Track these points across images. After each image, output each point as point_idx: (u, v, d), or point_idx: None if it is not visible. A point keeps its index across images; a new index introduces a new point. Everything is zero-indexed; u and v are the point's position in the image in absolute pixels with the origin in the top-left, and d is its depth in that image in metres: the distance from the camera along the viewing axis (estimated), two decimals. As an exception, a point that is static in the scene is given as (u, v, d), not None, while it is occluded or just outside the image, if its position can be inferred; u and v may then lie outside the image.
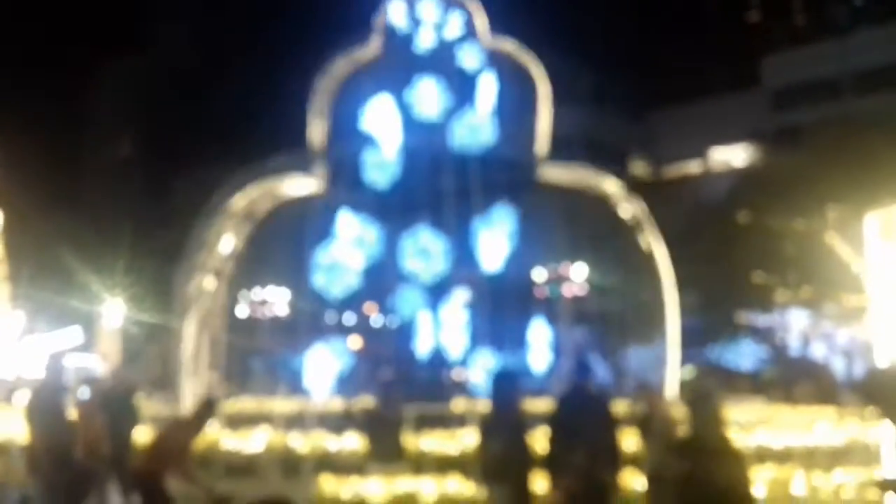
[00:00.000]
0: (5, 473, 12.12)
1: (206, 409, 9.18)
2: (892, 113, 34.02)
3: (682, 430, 6.60)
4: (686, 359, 22.12)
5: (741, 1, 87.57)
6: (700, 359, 34.01)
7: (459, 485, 8.81)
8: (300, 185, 19.25)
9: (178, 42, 57.01)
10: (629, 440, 8.89)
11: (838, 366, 34.92)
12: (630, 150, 60.21)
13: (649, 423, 8.43)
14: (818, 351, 37.29)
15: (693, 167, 61.16)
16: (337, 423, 13.97)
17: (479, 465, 7.36)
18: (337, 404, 17.73)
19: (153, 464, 8.49)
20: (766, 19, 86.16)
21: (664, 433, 8.18)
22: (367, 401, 14.03)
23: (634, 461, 8.81)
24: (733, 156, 58.34)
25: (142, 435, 11.42)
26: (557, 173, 19.42)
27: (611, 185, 19.68)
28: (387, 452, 9.57)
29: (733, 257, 31.48)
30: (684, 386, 18.63)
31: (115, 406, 10.72)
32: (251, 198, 19.01)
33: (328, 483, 9.21)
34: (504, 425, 7.10)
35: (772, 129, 55.15)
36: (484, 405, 7.46)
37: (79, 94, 55.47)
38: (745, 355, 38.53)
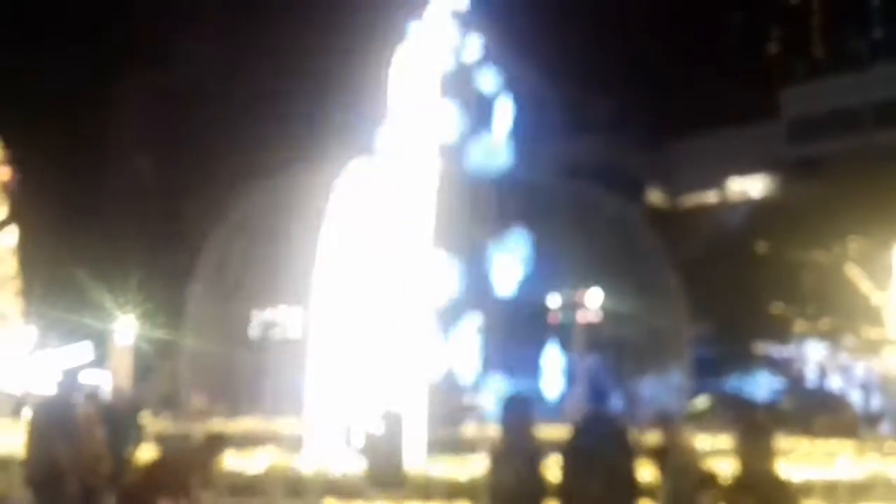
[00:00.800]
0: (8, 487, 11.94)
1: (214, 445, 8.64)
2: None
3: (731, 465, 6.36)
4: (701, 388, 21.84)
5: (761, 33, 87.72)
6: (715, 389, 33.61)
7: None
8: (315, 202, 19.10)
9: (199, 60, 57.38)
10: (645, 470, 8.61)
11: (855, 398, 34.44)
12: (647, 179, 59.98)
13: (667, 454, 8.15)
14: (835, 383, 36.81)
15: (710, 197, 60.90)
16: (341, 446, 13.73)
17: (488, 494, 7.10)
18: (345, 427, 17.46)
19: (145, 487, 8.08)
20: (785, 51, 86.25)
21: (683, 464, 7.92)
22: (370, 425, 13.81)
23: (650, 492, 8.51)
24: (751, 186, 58.09)
25: (144, 453, 11.22)
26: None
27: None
28: (387, 477, 9.31)
29: (751, 287, 31.18)
30: (699, 415, 18.33)
31: (116, 423, 10.54)
32: (263, 215, 18.88)
33: (333, 507, 8.98)
34: (516, 453, 6.85)
35: (790, 161, 54.91)
36: (495, 431, 7.21)
37: (98, 112, 55.82)
38: (760, 386, 38.08)
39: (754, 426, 5.99)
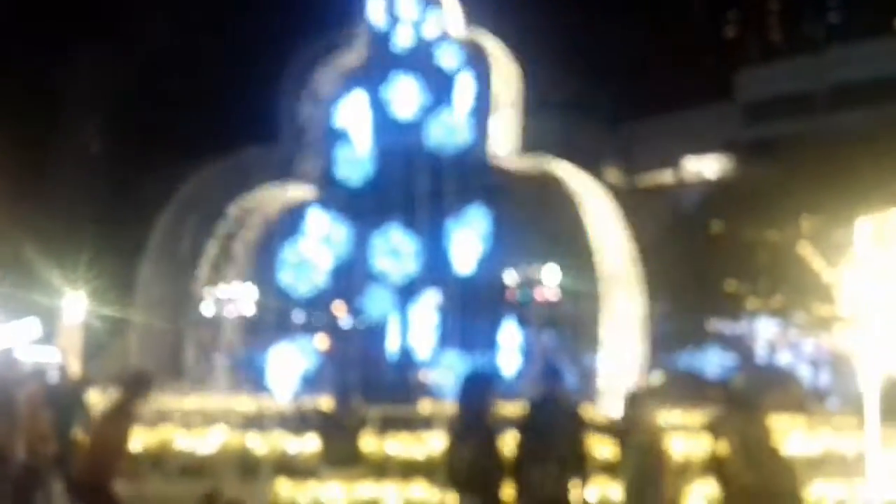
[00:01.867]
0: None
1: (134, 389, 7.61)
2: (865, 128, 34.20)
3: (720, 442, 6.30)
4: (655, 365, 21.95)
5: (718, 15, 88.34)
6: (668, 365, 33.92)
7: (424, 491, 8.42)
8: (269, 180, 18.80)
9: (148, 35, 56.19)
10: (606, 447, 8.57)
11: (804, 374, 35.02)
12: (605, 157, 60.24)
13: (629, 431, 8.10)
14: (784, 359, 37.42)
15: (666, 177, 61.36)
16: (295, 424, 13.53)
17: (447, 471, 6.99)
18: (297, 405, 17.27)
19: (94, 472, 7.41)
20: (741, 34, 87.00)
21: (648, 442, 7.87)
22: (323, 402, 13.61)
23: (610, 469, 8.48)
24: (706, 167, 58.61)
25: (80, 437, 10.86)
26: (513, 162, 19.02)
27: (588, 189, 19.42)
28: (341, 456, 9.12)
29: (705, 266, 31.43)
30: (653, 392, 18.37)
31: (61, 402, 10.18)
32: (217, 193, 18.49)
33: (285, 487, 8.78)
34: (475, 430, 6.73)
35: (745, 142, 55.51)
36: (453, 408, 7.08)
37: (45, 86, 54.47)
38: (712, 363, 38.55)
39: (748, 402, 5.93)
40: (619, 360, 18.01)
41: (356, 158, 18.27)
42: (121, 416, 7.58)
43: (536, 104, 21.02)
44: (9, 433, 8.55)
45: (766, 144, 50.34)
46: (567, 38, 56.55)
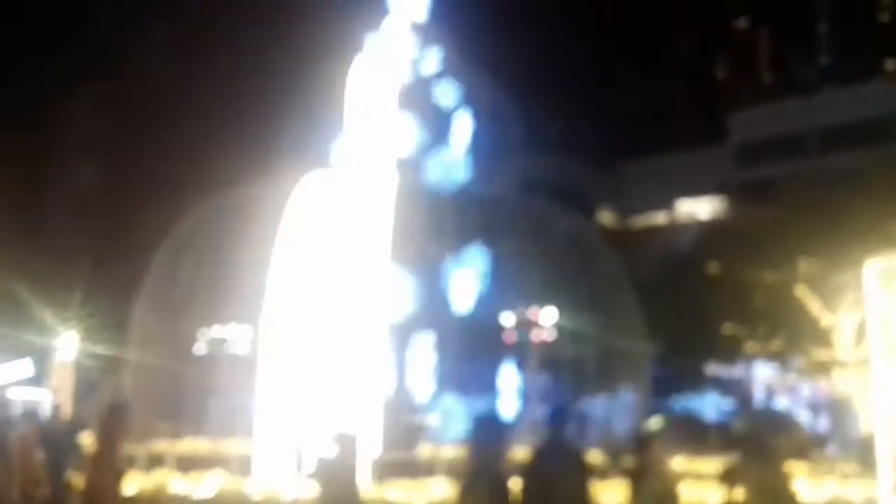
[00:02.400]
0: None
1: (111, 422, 7.18)
2: (857, 169, 34.39)
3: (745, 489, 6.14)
4: (652, 409, 21.74)
5: (710, 58, 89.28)
6: (665, 409, 33.69)
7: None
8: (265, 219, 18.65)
9: (146, 71, 56.45)
10: (612, 491, 8.38)
11: (803, 419, 34.80)
12: (597, 199, 60.46)
13: (642, 477, 7.92)
14: (782, 404, 37.20)
15: (660, 218, 61.53)
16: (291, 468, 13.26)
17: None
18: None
19: None
20: (733, 75, 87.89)
21: (662, 490, 7.69)
22: (322, 447, 13.34)
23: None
24: (699, 208, 58.81)
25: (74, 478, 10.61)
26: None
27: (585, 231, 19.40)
28: (340, 502, 8.88)
29: (702, 308, 31.32)
30: (652, 437, 18.09)
31: (54, 443, 9.95)
32: (212, 232, 18.34)
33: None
34: (486, 475, 6.56)
35: (738, 183, 55.75)
36: (457, 453, 6.90)
37: (39, 123, 54.56)
38: (709, 407, 38.29)
39: (765, 448, 5.80)
40: (617, 403, 17.83)
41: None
42: (106, 456, 7.17)
43: (526, 145, 21.08)
44: (2, 475, 8.33)
45: (759, 186, 50.52)
46: (561, 78, 57.09)
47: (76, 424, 11.38)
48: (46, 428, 10.34)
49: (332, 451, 9.73)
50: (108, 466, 7.13)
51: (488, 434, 6.61)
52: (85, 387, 35.10)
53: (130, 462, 7.45)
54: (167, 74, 54.27)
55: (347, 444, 9.60)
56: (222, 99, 49.59)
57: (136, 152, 53.00)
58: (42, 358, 36.05)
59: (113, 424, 7.19)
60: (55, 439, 10.12)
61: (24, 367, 35.71)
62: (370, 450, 12.79)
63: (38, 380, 35.73)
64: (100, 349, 34.08)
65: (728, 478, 6.90)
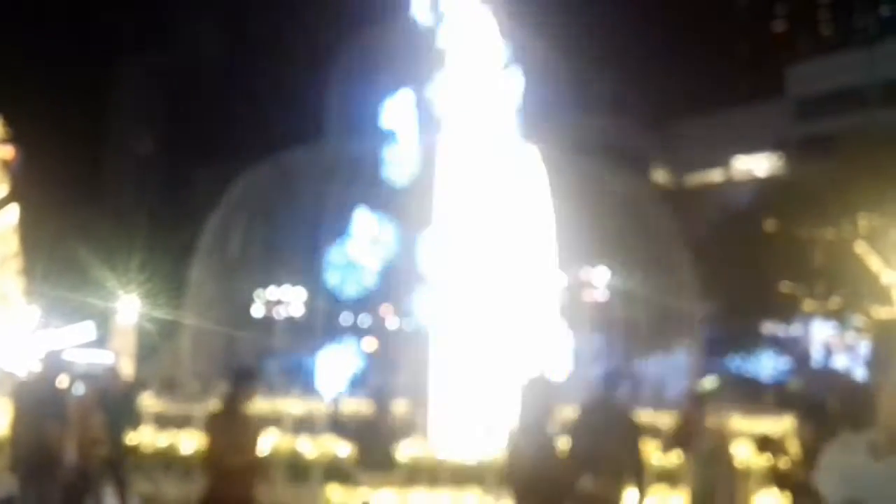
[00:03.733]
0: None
1: (241, 385, 7.12)
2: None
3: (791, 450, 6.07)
4: (707, 369, 21.54)
5: (767, 11, 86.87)
6: (720, 369, 33.38)
7: (478, 499, 8.25)
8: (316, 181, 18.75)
9: (198, 39, 57.00)
10: (669, 455, 8.33)
11: (860, 378, 34.21)
12: (652, 158, 59.59)
13: (692, 438, 7.87)
14: (840, 363, 36.54)
15: (715, 176, 60.48)
16: (331, 428, 13.37)
17: (506, 479, 6.82)
18: (343, 408, 17.21)
19: (235, 487, 6.72)
20: (791, 29, 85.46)
21: (713, 449, 7.64)
22: (361, 405, 13.45)
23: (671, 477, 8.26)
24: (756, 164, 57.66)
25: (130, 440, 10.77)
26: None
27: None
28: (376, 460, 8.92)
29: (759, 266, 30.82)
30: (707, 396, 17.94)
31: (113, 405, 10.19)
32: (265, 194, 18.50)
33: (336, 492, 8.69)
34: (534, 434, 6.56)
35: (797, 139, 54.46)
36: (512, 413, 6.89)
37: (99, 91, 55.48)
38: (765, 367, 37.84)
39: (823, 412, 5.72)
40: (671, 363, 17.70)
41: (402, 158, 18.13)
42: (233, 418, 7.10)
43: (579, 105, 20.79)
44: (60, 436, 8.55)
45: (818, 141, 49.31)
46: (613, 36, 56.09)
47: (136, 387, 11.62)
48: (106, 390, 10.56)
49: (371, 410, 9.78)
50: (238, 432, 7.05)
51: (537, 393, 6.60)
52: (145, 349, 35.97)
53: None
54: (219, 42, 54.66)
55: (385, 403, 9.63)
56: (272, 64, 49.86)
57: (192, 119, 53.63)
58: (104, 321, 37.00)
59: (242, 389, 7.19)
60: (114, 401, 10.36)
61: (87, 329, 36.71)
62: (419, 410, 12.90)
63: (100, 342, 36.70)
64: (159, 312, 34.85)
65: (766, 446, 6.82)
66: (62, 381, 9.31)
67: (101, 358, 35.76)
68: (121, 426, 10.32)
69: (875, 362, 28.50)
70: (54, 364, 9.15)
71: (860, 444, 2.57)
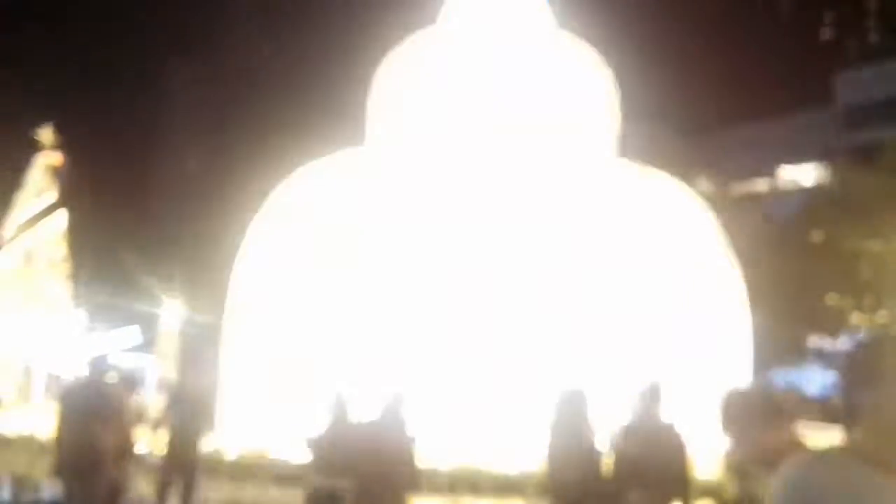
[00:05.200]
0: (32, 471, 11.86)
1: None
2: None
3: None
4: (751, 383, 21.21)
5: (815, 18, 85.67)
6: (766, 383, 32.81)
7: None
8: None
9: (239, 53, 57.67)
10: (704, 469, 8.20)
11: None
12: (694, 166, 58.90)
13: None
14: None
15: (760, 185, 59.64)
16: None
17: (549, 493, 6.74)
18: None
19: None
20: (839, 35, 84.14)
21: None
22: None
23: (713, 492, 8.13)
24: (802, 174, 56.77)
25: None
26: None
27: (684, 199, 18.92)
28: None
29: (805, 278, 30.30)
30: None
31: (186, 413, 10.09)
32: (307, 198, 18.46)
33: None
34: (577, 448, 6.49)
35: (844, 148, 53.53)
36: (551, 426, 6.81)
37: (145, 105, 56.37)
38: (812, 381, 37.15)
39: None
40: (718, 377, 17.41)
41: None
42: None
43: (627, 111, 20.63)
44: (107, 439, 8.58)
45: (866, 150, 48.42)
46: (657, 43, 55.72)
47: (208, 391, 11.31)
48: (177, 397, 10.41)
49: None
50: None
51: (576, 407, 6.52)
52: (189, 354, 36.32)
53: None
54: (260, 49, 55.23)
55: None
56: (315, 72, 50.25)
57: (235, 126, 54.20)
58: (149, 326, 37.47)
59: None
60: (187, 409, 10.13)
61: (133, 334, 37.21)
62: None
63: (145, 347, 37.17)
64: (202, 318, 35.20)
65: None
66: (112, 378, 9.38)
67: (146, 362, 36.19)
68: (196, 433, 10.12)
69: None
70: (100, 368, 9.23)
71: None
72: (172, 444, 9.85)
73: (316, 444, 7.69)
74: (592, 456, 6.51)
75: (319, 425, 7.86)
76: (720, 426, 7.89)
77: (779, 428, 5.32)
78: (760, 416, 4.85)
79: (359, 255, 15.92)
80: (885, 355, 2.43)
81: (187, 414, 10.05)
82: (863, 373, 2.42)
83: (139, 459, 10.13)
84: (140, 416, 10.58)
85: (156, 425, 10.27)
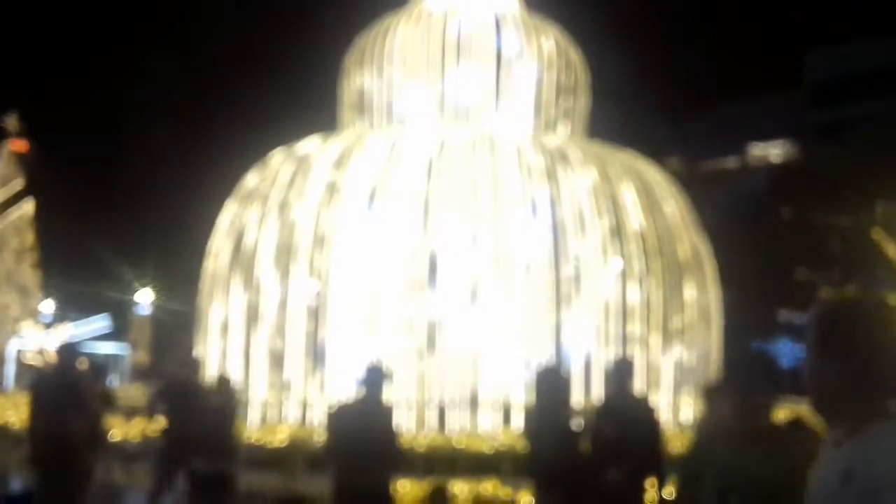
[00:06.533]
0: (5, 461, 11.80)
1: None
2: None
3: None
4: (722, 357, 21.43)
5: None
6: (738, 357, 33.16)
7: (496, 489, 8.22)
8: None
9: (210, 41, 56.90)
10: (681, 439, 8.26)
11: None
12: (666, 146, 59.14)
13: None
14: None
15: (730, 163, 60.05)
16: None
17: (528, 470, 6.77)
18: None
19: None
20: (808, 16, 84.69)
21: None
22: None
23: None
24: (772, 151, 57.24)
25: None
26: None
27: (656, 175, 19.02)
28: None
29: (774, 253, 30.63)
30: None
31: (175, 398, 9.92)
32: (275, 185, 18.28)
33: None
34: (553, 427, 6.52)
35: (812, 125, 54.06)
36: (528, 403, 6.84)
37: (112, 85, 55.63)
38: (783, 355, 37.61)
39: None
40: (692, 352, 17.60)
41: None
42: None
43: (598, 90, 20.65)
44: (81, 428, 8.48)
45: (834, 127, 48.93)
46: (628, 23, 55.71)
47: (229, 384, 10.42)
48: (168, 385, 10.12)
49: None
50: None
51: (553, 386, 6.56)
52: (162, 341, 36.11)
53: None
54: (234, 39, 54.75)
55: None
56: (290, 60, 49.90)
57: (206, 112, 53.72)
58: (120, 313, 37.18)
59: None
60: (175, 396, 9.81)
61: (103, 321, 36.90)
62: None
63: (118, 335, 36.90)
64: (175, 304, 34.96)
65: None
66: (82, 364, 9.26)
67: (118, 350, 35.91)
68: (184, 417, 9.63)
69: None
70: (70, 357, 9.14)
71: None
72: (169, 434, 9.72)
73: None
74: (570, 435, 6.55)
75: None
76: (706, 395, 7.96)
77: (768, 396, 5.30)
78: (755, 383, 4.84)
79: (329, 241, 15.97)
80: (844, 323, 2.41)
81: (181, 402, 9.85)
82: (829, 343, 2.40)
83: (110, 448, 10.04)
84: (109, 404, 10.45)
85: (149, 413, 10.14)
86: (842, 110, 51.84)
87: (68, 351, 9.26)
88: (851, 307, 2.46)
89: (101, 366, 12.84)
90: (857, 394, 2.27)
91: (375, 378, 6.81)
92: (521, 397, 13.12)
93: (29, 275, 35.29)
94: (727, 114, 59.57)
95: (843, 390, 2.29)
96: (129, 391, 21.32)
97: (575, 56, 19.60)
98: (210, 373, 13.84)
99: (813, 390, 2.35)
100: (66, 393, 8.59)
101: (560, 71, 18.96)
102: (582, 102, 19.62)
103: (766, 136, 57.82)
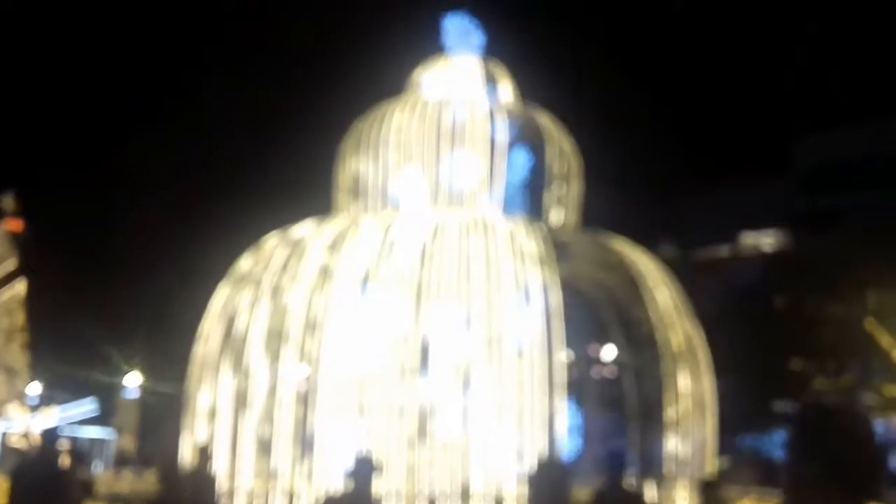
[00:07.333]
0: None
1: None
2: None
3: None
4: (717, 448, 21.15)
5: (775, 83, 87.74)
6: (732, 448, 32.73)
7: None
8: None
9: (206, 119, 57.68)
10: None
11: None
12: (656, 232, 59.40)
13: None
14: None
15: (723, 251, 60.27)
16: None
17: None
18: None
19: None
20: (799, 101, 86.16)
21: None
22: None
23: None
24: (764, 240, 57.54)
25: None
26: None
27: (647, 265, 19.06)
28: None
29: (768, 343, 30.52)
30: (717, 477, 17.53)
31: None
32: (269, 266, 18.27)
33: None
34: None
35: (803, 213, 54.45)
36: (532, 496, 6.67)
37: (106, 167, 56.09)
38: (778, 445, 37.11)
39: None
40: (686, 443, 17.35)
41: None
42: None
43: (589, 176, 20.91)
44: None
45: (826, 216, 49.36)
46: (618, 108, 56.59)
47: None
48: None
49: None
50: None
51: (555, 480, 6.40)
52: (150, 424, 35.55)
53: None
54: (229, 116, 55.47)
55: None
56: (282, 142, 50.47)
57: (201, 194, 54.02)
58: (108, 396, 36.68)
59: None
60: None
61: (89, 405, 36.38)
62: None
63: (104, 418, 36.33)
64: (163, 386, 34.52)
65: None
66: (64, 449, 9.12)
67: (105, 434, 35.33)
68: None
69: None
70: (53, 442, 9.00)
71: None
72: None
73: None
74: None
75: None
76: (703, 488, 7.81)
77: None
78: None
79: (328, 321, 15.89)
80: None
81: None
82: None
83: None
84: (88, 492, 10.23)
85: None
86: (832, 197, 52.29)
87: (51, 436, 9.13)
88: (828, 412, 2.63)
89: (84, 452, 12.60)
90: (827, 495, 2.39)
91: (364, 471, 6.67)
92: (513, 489, 12.91)
93: (18, 356, 34.95)
94: (719, 201, 59.98)
95: (814, 492, 2.41)
96: (111, 478, 20.92)
97: (567, 144, 19.88)
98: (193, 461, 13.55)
99: (786, 488, 2.51)
100: (46, 479, 8.41)
101: (552, 159, 19.20)
102: (574, 189, 19.82)
103: (757, 223, 58.10)
